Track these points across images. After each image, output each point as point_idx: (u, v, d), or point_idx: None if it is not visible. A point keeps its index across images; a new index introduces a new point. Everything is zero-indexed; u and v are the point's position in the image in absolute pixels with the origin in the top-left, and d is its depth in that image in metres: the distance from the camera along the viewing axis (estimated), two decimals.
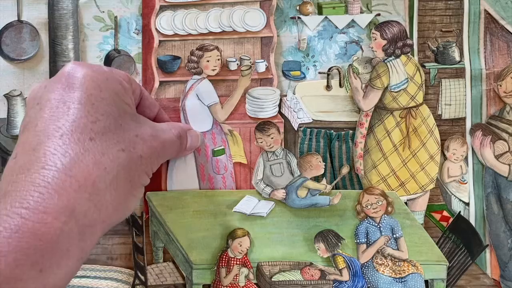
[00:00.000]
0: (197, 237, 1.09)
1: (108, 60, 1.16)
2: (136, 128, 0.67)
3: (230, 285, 1.07)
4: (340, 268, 1.08)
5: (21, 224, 0.53)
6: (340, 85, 1.18)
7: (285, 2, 1.19)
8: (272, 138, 1.14)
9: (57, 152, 0.57)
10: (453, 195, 1.18)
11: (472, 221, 1.16)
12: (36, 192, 0.54)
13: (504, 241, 1.15)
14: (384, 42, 1.15)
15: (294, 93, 1.18)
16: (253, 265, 1.08)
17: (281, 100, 1.18)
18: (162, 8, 1.18)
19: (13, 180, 0.57)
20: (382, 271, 1.09)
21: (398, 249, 1.10)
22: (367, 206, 1.11)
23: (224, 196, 1.14)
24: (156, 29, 1.17)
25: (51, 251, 0.54)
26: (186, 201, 1.13)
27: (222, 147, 1.16)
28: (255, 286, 1.08)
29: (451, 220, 1.17)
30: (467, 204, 1.17)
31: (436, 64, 1.20)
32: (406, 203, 1.17)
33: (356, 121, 1.17)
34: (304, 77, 1.19)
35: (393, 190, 1.17)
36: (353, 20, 1.19)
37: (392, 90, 1.16)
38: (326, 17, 1.19)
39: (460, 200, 1.18)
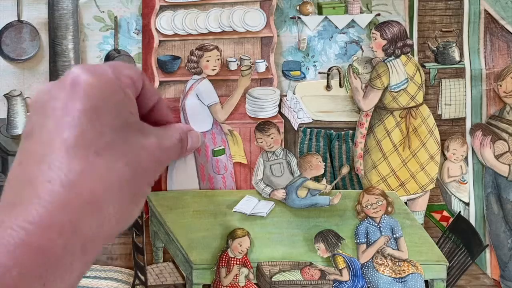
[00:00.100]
0: (197, 237, 1.09)
1: (108, 60, 1.16)
2: (141, 140, 0.67)
3: (230, 285, 1.07)
4: (340, 268, 1.08)
5: (26, 239, 0.53)
6: (340, 85, 1.18)
7: (285, 2, 1.19)
8: (272, 138, 1.14)
9: (63, 166, 0.57)
10: (453, 195, 1.18)
11: (472, 221, 1.16)
12: (41, 207, 0.55)
13: (504, 241, 1.15)
14: (384, 42, 1.15)
15: (294, 93, 1.18)
16: (253, 265, 1.08)
17: (281, 100, 1.18)
18: (162, 8, 1.18)
19: (18, 191, 0.57)
20: (382, 271, 1.09)
21: (398, 249, 1.10)
22: (367, 206, 1.11)
23: (224, 196, 1.14)
24: (156, 29, 1.17)
25: (55, 266, 0.54)
26: (186, 201, 1.13)
27: (222, 147, 1.16)
28: (255, 286, 1.08)
29: (451, 220, 1.17)
30: (467, 204, 1.17)
31: (436, 64, 1.20)
32: (406, 203, 1.17)
33: (356, 121, 1.17)
34: (304, 77, 1.19)
35: (393, 190, 1.17)
36: (353, 20, 1.19)
37: (392, 90, 1.16)
38: (326, 17, 1.19)
39: (460, 200, 1.17)
